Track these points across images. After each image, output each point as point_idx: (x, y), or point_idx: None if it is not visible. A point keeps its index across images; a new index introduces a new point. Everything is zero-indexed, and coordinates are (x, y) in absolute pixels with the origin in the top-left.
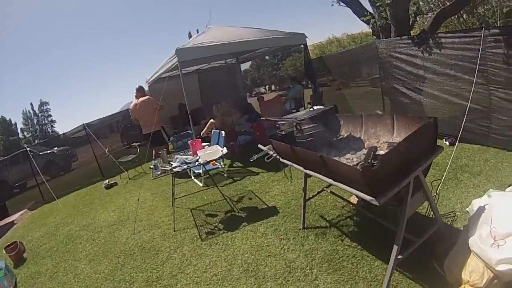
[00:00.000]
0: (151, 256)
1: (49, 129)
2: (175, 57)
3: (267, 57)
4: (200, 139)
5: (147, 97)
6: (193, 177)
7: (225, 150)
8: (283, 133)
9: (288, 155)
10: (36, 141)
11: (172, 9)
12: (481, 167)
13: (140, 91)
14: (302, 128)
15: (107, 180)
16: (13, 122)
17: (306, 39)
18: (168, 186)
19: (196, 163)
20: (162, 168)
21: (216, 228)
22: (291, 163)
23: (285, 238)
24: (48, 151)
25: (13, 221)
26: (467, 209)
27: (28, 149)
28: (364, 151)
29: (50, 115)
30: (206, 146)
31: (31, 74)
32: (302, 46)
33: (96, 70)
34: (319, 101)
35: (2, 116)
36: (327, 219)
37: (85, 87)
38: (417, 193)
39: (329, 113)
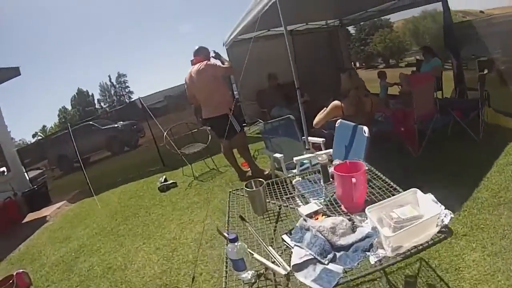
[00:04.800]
0: None
1: (126, 100)
2: None
3: (352, 32)
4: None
5: (204, 62)
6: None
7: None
8: None
9: None
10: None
11: None
12: None
13: (199, 54)
14: None
15: (163, 177)
16: (90, 94)
17: None
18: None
19: None
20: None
21: None
22: None
23: None
24: (114, 125)
25: (46, 216)
26: None
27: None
28: None
29: (127, 86)
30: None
31: (110, 49)
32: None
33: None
34: (481, 87)
35: (78, 87)
36: None
37: (168, 61)
38: None
39: None
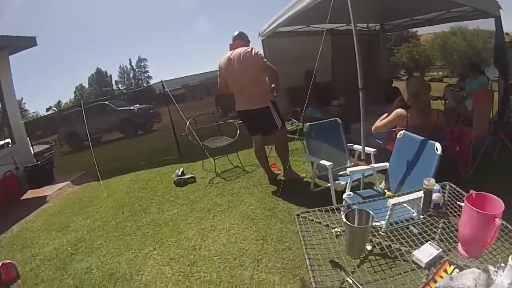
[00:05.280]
0: None
1: (144, 84)
2: None
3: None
4: None
5: (251, 47)
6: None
7: None
8: None
9: None
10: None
11: None
12: None
13: (240, 39)
14: None
15: (180, 169)
16: (108, 74)
17: (500, 10)
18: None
19: None
20: None
21: None
22: None
23: None
24: (130, 107)
25: (46, 196)
26: None
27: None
28: None
29: (147, 71)
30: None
31: (133, 31)
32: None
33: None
34: None
35: (97, 67)
36: None
37: (190, 50)
38: None
39: None
